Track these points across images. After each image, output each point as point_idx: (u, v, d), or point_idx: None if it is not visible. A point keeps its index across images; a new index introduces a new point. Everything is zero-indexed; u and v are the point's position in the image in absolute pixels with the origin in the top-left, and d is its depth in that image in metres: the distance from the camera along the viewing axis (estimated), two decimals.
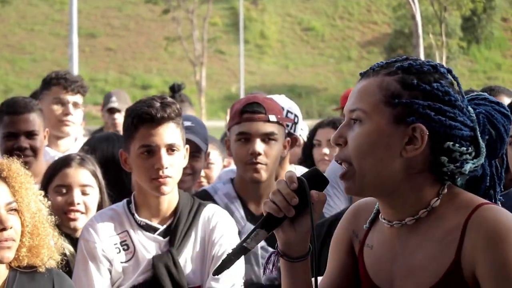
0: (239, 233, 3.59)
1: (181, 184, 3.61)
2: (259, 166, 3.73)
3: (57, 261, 3.02)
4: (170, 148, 3.38)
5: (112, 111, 6.90)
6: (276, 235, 2.19)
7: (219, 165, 5.21)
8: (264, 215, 2.16)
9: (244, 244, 2.13)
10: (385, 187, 2.11)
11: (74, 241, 3.59)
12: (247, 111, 3.77)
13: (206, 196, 3.81)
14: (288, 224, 2.16)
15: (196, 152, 4.04)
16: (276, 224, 2.15)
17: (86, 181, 3.72)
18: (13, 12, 52.81)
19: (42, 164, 4.32)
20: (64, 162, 3.78)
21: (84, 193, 3.72)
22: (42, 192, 3.13)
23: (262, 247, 3.70)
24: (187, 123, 3.89)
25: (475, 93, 2.27)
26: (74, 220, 3.68)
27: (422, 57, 23.42)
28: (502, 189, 2.25)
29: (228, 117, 4.16)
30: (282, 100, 4.29)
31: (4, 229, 2.84)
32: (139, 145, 3.37)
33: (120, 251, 3.40)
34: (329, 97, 43.71)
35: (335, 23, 55.30)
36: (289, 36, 53.99)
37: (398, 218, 2.15)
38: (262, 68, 49.89)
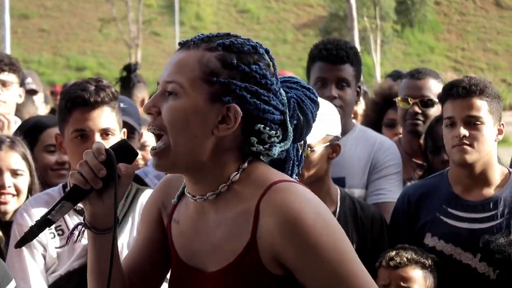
0: None
1: None
2: None
3: None
4: (105, 133, 3.33)
5: (32, 93, 6.76)
6: (83, 207, 2.17)
7: None
8: (70, 186, 2.13)
9: (48, 216, 2.10)
10: (194, 164, 2.11)
11: (3, 225, 3.53)
12: None
13: (136, 179, 3.78)
14: (96, 196, 2.14)
15: (130, 133, 4.02)
16: (83, 196, 2.12)
17: (16, 164, 3.67)
18: None
19: None
20: None
21: (14, 176, 3.67)
22: None
23: None
24: (121, 105, 3.86)
25: (288, 76, 2.28)
26: (4, 203, 3.63)
27: (356, 39, 23.53)
28: (299, 171, 2.28)
29: None
30: None
31: None
32: (72, 129, 3.32)
33: (54, 236, 3.35)
34: None
35: (271, 5, 55.33)
36: (224, 18, 53.87)
37: (201, 193, 2.15)
38: None
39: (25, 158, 3.70)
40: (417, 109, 4.39)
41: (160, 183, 2.36)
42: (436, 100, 4.34)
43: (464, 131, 3.49)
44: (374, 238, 3.62)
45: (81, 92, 3.32)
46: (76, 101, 3.31)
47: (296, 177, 2.24)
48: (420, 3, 50.86)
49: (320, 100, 2.36)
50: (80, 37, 50.12)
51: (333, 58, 4.03)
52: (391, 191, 3.99)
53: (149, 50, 48.21)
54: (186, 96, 2.08)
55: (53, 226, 3.35)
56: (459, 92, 3.53)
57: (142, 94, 7.13)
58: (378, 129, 4.80)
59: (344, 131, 3.97)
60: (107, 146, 3.30)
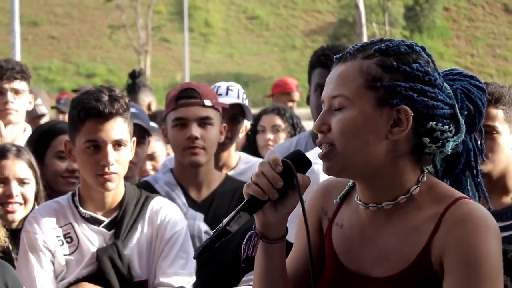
0: None
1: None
2: (197, 150, 3.73)
3: None
4: (117, 144, 3.32)
5: (42, 117, 6.69)
6: (255, 217, 2.15)
7: (164, 156, 5.18)
8: (246, 198, 2.11)
9: (227, 227, 2.09)
10: (368, 170, 2.10)
11: (11, 233, 3.53)
12: (183, 97, 3.77)
13: (147, 186, 3.78)
14: (270, 206, 2.12)
15: (141, 137, 4.02)
16: (259, 206, 2.11)
17: (23, 173, 3.67)
18: None
19: None
20: (0, 154, 3.71)
21: (21, 184, 3.66)
22: None
23: (205, 232, 3.68)
24: (132, 110, 3.87)
25: (448, 68, 2.27)
26: (12, 212, 3.63)
27: None
28: (484, 159, 2.27)
29: None
30: (239, 87, 4.37)
31: None
32: (85, 139, 3.31)
33: (63, 243, 3.35)
34: None
35: (279, 12, 55.35)
36: (233, 25, 53.91)
37: (375, 201, 2.14)
38: (207, 57, 49.73)
39: (31, 166, 3.69)
40: None
41: (318, 188, 2.34)
42: None
43: None
44: None
45: (95, 102, 3.29)
46: (89, 111, 3.29)
47: (481, 169, 2.24)
48: (429, 9, 50.83)
49: None
50: (90, 43, 50.22)
51: (331, 63, 4.02)
52: None
53: (159, 56, 48.27)
54: (354, 106, 2.08)
55: (61, 234, 3.36)
56: None
57: (148, 98, 7.14)
58: None
59: None
60: (118, 157, 3.30)
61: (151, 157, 4.98)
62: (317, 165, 3.30)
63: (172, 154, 5.31)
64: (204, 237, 3.68)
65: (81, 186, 3.45)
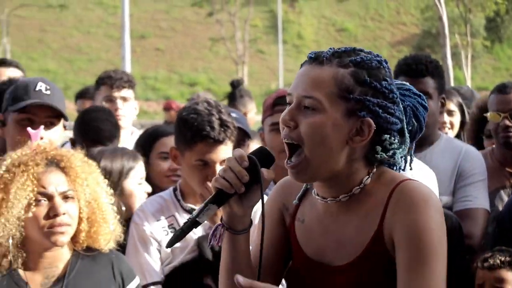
0: None
1: None
2: None
3: (114, 246, 3.04)
4: (223, 161, 3.39)
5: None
6: (222, 209, 2.18)
7: None
8: (214, 191, 2.13)
9: (196, 218, 2.12)
10: (329, 173, 2.13)
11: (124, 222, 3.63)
12: (278, 103, 3.81)
13: None
14: (236, 199, 2.14)
15: (241, 140, 4.08)
16: (226, 199, 2.13)
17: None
18: (70, 16, 53.19)
19: None
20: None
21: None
22: (106, 181, 3.11)
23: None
24: (233, 115, 3.93)
25: (399, 82, 2.27)
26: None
27: (449, 55, 23.10)
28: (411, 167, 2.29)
29: None
30: None
31: (56, 215, 2.85)
32: (196, 158, 3.37)
33: (168, 233, 3.43)
34: None
35: (367, 24, 54.96)
36: (324, 37, 53.76)
37: (333, 195, 2.17)
38: (300, 67, 49.76)
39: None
40: (507, 122, 4.26)
41: (276, 187, 2.37)
42: None
43: None
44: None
45: (208, 128, 3.34)
46: (203, 136, 3.34)
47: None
48: (509, 20, 49.69)
49: None
50: (192, 55, 50.77)
51: (413, 72, 4.01)
52: (477, 198, 3.93)
53: (255, 67, 48.50)
54: (325, 112, 2.09)
55: (166, 225, 3.45)
56: None
57: (245, 108, 7.21)
58: (479, 140, 4.75)
59: (430, 142, 3.93)
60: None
61: None
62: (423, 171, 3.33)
63: None
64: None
65: (182, 183, 3.53)
